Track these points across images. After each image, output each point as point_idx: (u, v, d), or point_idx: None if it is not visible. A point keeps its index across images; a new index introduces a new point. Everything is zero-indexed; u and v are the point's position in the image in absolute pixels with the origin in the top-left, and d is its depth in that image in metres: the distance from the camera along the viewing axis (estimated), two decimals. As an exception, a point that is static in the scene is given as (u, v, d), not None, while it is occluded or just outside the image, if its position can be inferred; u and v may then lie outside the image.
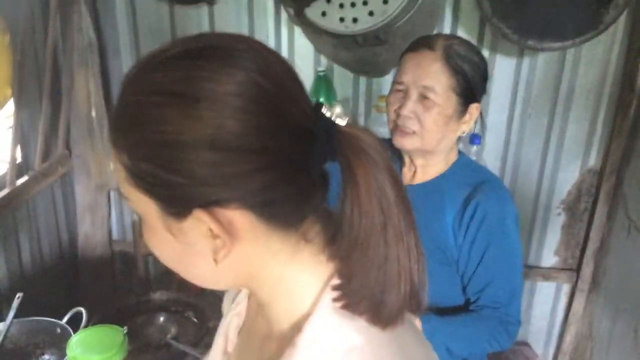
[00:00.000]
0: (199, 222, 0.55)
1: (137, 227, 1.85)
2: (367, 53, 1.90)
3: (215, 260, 0.58)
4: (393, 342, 0.61)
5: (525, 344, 2.44)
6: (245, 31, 2.06)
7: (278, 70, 0.57)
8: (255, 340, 0.72)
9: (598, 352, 2.14)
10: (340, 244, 0.59)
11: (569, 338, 2.34)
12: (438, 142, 1.24)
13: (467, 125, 1.27)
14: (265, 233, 0.59)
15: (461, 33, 1.99)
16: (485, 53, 2.01)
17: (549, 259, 2.30)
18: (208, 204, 0.54)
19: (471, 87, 1.22)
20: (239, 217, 0.56)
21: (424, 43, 1.23)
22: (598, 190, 2.13)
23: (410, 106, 1.20)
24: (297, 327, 0.61)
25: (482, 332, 1.19)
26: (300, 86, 0.60)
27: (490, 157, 2.14)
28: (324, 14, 1.75)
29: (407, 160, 1.32)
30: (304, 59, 2.08)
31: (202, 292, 1.80)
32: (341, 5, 1.72)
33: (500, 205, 1.25)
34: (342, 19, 1.73)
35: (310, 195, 0.60)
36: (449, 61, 1.19)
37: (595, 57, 1.96)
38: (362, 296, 0.58)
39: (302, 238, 0.62)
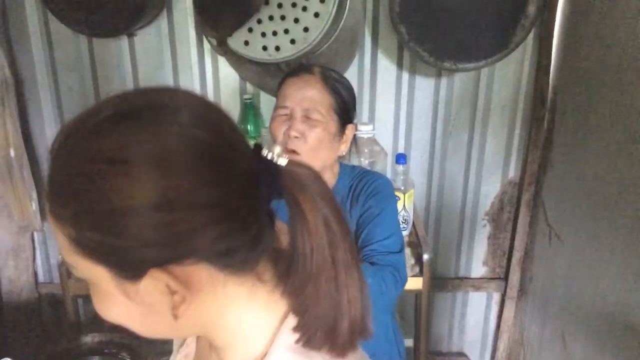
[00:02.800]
0: (155, 281, 0.54)
1: (65, 268, 1.78)
2: (291, 79, 1.92)
3: (175, 316, 0.57)
4: None
5: (461, 354, 2.51)
6: (167, 62, 2.06)
7: (214, 119, 0.57)
8: None
9: (530, 357, 2.22)
10: (294, 280, 0.60)
11: (502, 345, 2.42)
12: (323, 161, 1.32)
13: (345, 145, 1.37)
14: (223, 281, 0.58)
15: (381, 56, 2.06)
16: (405, 75, 2.09)
17: (478, 269, 2.38)
18: (163, 263, 0.53)
19: (347, 108, 1.33)
20: (196, 270, 0.55)
21: (301, 69, 1.33)
22: (519, 201, 2.23)
23: (297, 126, 1.27)
24: None
25: (372, 272, 1.24)
26: (238, 132, 0.59)
27: (416, 174, 2.20)
28: (246, 43, 1.76)
29: None
30: (229, 87, 2.09)
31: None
32: (263, 34, 1.74)
33: (385, 180, 1.40)
34: (264, 48, 1.75)
35: (261, 237, 0.59)
36: (327, 82, 1.30)
37: (508, 75, 2.07)
38: (317, 328, 0.60)
39: (257, 280, 0.62)
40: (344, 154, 1.39)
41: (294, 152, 1.29)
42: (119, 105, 0.55)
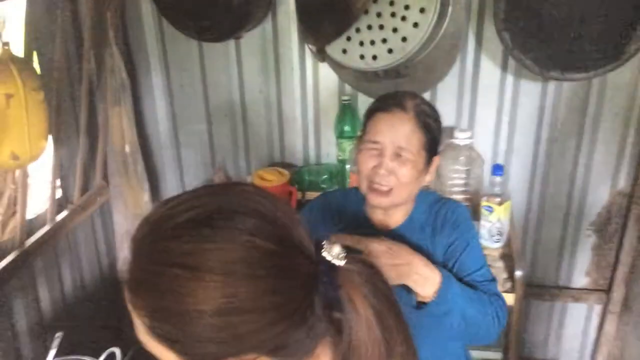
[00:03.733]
0: None
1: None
2: (389, 84, 1.92)
3: None
4: None
5: (557, 362, 2.44)
6: (270, 64, 2.13)
7: (282, 223, 0.61)
8: None
9: (629, 375, 2.13)
10: None
11: (600, 359, 2.33)
12: (408, 194, 1.32)
13: (430, 175, 1.35)
14: None
15: (484, 61, 2.00)
16: (510, 78, 2.02)
17: (579, 279, 2.29)
18: (224, 357, 0.59)
19: (436, 143, 1.32)
20: None
21: (394, 103, 1.28)
22: (628, 213, 2.10)
23: (388, 164, 1.26)
24: None
25: (487, 300, 1.26)
26: (304, 229, 0.63)
27: (516, 179, 2.14)
28: (344, 51, 1.78)
29: (380, 211, 1.38)
30: (328, 88, 2.13)
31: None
32: (361, 43, 1.75)
33: (464, 209, 1.39)
34: (362, 56, 1.77)
35: (318, 329, 0.63)
36: (420, 120, 1.26)
37: (622, 83, 1.94)
38: None
39: None
40: (427, 183, 1.39)
41: (378, 191, 1.29)
42: (194, 210, 0.60)
